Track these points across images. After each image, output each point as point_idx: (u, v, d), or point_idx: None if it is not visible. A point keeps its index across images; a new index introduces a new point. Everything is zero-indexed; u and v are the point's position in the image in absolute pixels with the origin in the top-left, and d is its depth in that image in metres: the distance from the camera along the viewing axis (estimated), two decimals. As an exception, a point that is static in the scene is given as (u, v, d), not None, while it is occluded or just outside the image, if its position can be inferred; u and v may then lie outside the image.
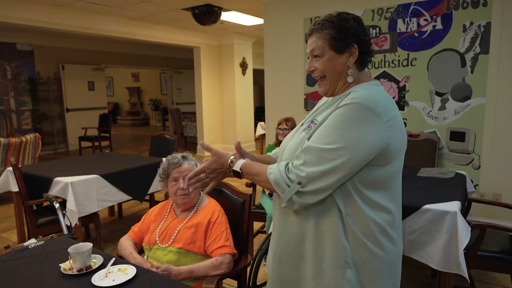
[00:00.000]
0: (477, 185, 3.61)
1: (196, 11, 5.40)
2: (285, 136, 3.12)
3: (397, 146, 1.12)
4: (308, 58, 1.23)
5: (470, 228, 2.07)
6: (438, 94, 3.72)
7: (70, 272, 1.39)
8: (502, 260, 2.17)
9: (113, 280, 1.32)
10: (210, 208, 1.85)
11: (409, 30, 3.78)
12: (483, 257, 2.19)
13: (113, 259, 1.47)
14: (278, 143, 3.27)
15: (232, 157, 1.23)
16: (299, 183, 1.08)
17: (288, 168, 1.12)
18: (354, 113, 1.06)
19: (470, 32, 3.49)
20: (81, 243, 1.48)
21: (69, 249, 1.42)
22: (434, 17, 3.64)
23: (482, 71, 3.47)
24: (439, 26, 3.63)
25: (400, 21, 3.83)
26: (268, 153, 1.53)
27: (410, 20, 3.77)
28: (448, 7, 3.57)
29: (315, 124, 1.18)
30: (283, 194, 1.11)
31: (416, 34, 3.76)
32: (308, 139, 1.14)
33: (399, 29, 3.84)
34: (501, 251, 2.22)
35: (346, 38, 1.14)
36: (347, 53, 1.15)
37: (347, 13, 1.18)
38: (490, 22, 3.38)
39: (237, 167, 1.20)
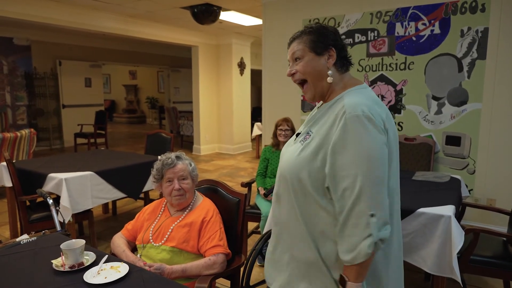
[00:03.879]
0: (471, 189, 3.63)
1: (195, 10, 5.39)
2: (287, 137, 3.16)
3: (391, 148, 1.17)
4: (289, 64, 1.28)
5: (464, 233, 2.08)
6: (435, 98, 3.73)
7: (62, 269, 1.38)
8: (495, 265, 2.17)
9: (105, 277, 1.31)
10: (204, 207, 1.84)
11: (407, 34, 3.80)
12: (476, 262, 2.20)
13: (106, 256, 1.46)
14: (277, 143, 3.27)
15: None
16: (372, 215, 1.07)
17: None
18: (356, 127, 1.10)
19: (468, 37, 3.50)
20: (73, 240, 1.47)
21: (62, 246, 1.41)
22: (432, 21, 3.66)
23: (479, 76, 3.49)
24: (437, 30, 3.64)
25: (398, 24, 3.84)
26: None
27: (409, 24, 3.78)
28: (447, 12, 3.58)
29: (310, 135, 1.22)
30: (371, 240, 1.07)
31: (414, 38, 3.77)
32: (302, 150, 1.21)
33: (397, 33, 3.85)
34: (494, 256, 2.23)
35: (324, 41, 1.21)
36: (326, 55, 1.21)
37: (324, 24, 1.27)
38: (488, 28, 3.40)
39: (351, 287, 1.11)
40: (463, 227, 2.15)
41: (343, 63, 1.24)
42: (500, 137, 3.45)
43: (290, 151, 1.27)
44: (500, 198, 3.48)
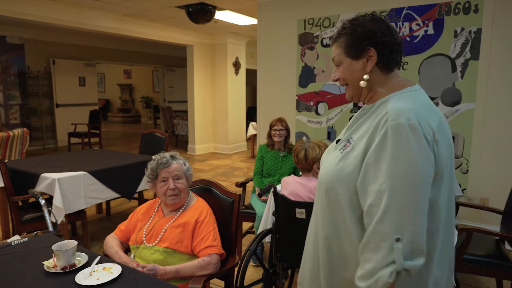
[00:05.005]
0: (464, 189, 3.65)
1: (190, 9, 5.37)
2: (281, 136, 3.17)
3: (443, 162, 1.02)
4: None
5: (456, 232, 2.09)
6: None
7: (53, 270, 1.37)
8: (487, 264, 2.19)
9: (98, 279, 1.30)
10: (198, 207, 1.83)
11: (401, 34, 3.81)
12: (469, 261, 2.21)
13: (98, 257, 1.45)
14: (272, 144, 3.27)
15: None
16: (398, 240, 0.94)
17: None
18: (398, 137, 0.97)
19: (461, 38, 3.52)
20: (65, 241, 1.45)
21: (53, 247, 1.39)
22: (426, 22, 3.67)
23: (472, 76, 3.51)
24: (431, 31, 3.66)
25: (392, 25, 3.84)
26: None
27: (403, 25, 3.79)
28: (440, 12, 3.60)
29: (351, 143, 1.11)
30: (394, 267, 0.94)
31: (408, 38, 3.78)
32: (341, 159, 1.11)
33: (392, 33, 3.86)
34: (486, 255, 2.24)
35: (359, 43, 1.09)
36: (364, 57, 1.10)
37: (363, 16, 1.13)
38: (481, 29, 3.42)
39: None
40: (456, 226, 2.17)
41: (387, 62, 1.10)
42: (493, 137, 3.48)
43: (330, 159, 1.16)
44: (492, 197, 3.51)
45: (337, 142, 1.21)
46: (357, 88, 1.14)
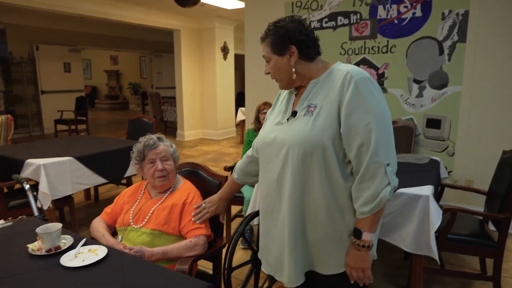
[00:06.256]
0: (450, 171, 3.70)
1: (176, -8, 5.26)
2: None
3: None
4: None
5: (441, 212, 2.12)
6: (416, 81, 3.76)
7: (38, 253, 1.35)
8: (471, 243, 2.23)
9: (83, 260, 1.29)
10: (185, 189, 1.83)
11: (389, 16, 3.80)
12: (453, 240, 2.25)
13: (84, 239, 1.44)
14: (259, 127, 3.26)
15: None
16: (388, 165, 1.20)
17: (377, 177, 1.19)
18: (366, 88, 1.21)
19: (449, 20, 3.52)
20: (50, 224, 1.44)
21: (37, 229, 1.38)
22: (414, 4, 3.66)
23: (459, 59, 3.53)
24: (418, 13, 3.65)
25: (380, 7, 3.83)
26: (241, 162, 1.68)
27: (391, 7, 3.77)
28: (428, -6, 3.59)
29: (316, 106, 1.28)
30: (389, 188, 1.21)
31: (396, 21, 3.77)
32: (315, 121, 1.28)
33: (380, 16, 3.84)
34: (470, 234, 2.29)
35: (282, 42, 1.30)
36: (288, 54, 1.31)
37: (284, 19, 1.33)
38: (468, 11, 3.42)
39: (366, 237, 1.24)
40: (441, 207, 2.20)
41: (308, 54, 1.32)
42: (479, 120, 3.52)
43: (299, 125, 1.30)
44: (478, 179, 3.57)
45: (294, 114, 1.35)
46: (288, 79, 1.35)
